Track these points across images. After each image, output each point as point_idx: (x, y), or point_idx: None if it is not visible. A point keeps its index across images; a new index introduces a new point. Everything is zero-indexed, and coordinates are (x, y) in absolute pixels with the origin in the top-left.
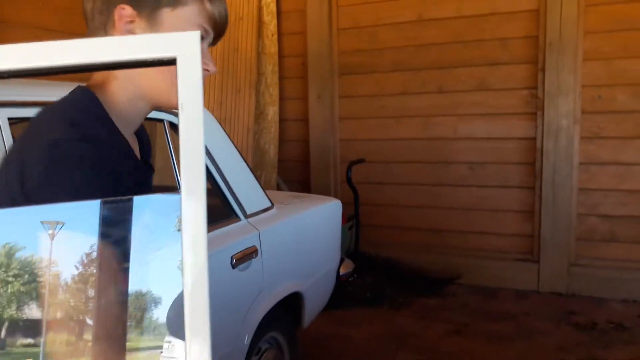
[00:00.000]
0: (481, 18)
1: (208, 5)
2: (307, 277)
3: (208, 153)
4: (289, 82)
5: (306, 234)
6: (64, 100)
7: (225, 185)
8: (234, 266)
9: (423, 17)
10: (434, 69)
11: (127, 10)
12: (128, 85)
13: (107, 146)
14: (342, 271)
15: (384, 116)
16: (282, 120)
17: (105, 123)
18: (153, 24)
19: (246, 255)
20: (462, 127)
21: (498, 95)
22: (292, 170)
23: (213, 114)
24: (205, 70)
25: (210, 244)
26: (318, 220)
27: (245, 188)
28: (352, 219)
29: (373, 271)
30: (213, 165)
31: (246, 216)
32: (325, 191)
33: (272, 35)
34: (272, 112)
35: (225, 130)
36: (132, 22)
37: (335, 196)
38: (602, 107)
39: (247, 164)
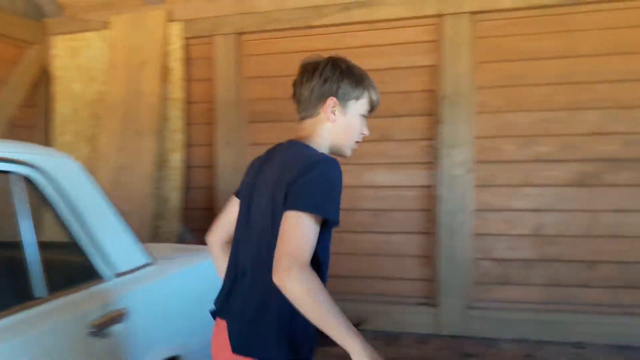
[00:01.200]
0: (384, 72)
1: (373, 96)
2: (189, 339)
3: (68, 204)
4: (196, 128)
5: (189, 291)
6: (311, 149)
7: (90, 241)
8: (93, 333)
9: None
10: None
11: (333, 100)
12: (323, 140)
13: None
14: None
15: None
16: (188, 167)
17: None
18: (345, 112)
19: (109, 320)
20: (366, 175)
21: (400, 145)
22: (199, 219)
23: (109, 160)
24: (363, 135)
25: (61, 310)
26: (205, 275)
27: (116, 243)
28: None
29: None
30: (74, 218)
31: (116, 275)
32: None
33: (179, 80)
34: (176, 158)
35: (93, 179)
36: (334, 107)
37: None
38: (494, 157)
39: (119, 217)
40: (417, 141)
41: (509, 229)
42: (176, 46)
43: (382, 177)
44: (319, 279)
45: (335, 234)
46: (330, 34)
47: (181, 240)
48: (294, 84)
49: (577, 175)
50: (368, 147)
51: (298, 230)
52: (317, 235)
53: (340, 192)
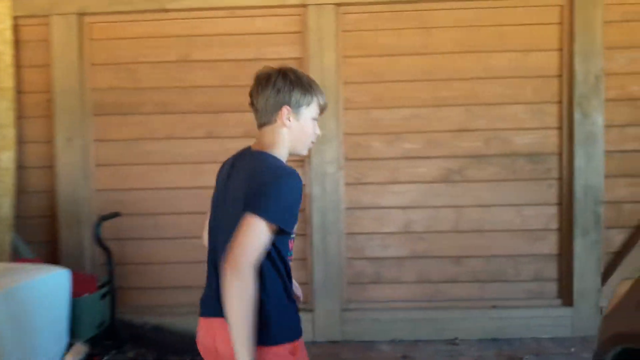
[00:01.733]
0: (247, 63)
1: (321, 100)
2: None
3: None
4: (30, 122)
5: (10, 318)
6: (270, 158)
7: None
8: None
9: (189, 58)
10: (202, 113)
11: (287, 109)
12: (282, 145)
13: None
14: (69, 358)
15: (147, 163)
16: (21, 167)
17: None
18: (298, 118)
19: None
20: None
21: None
22: (35, 228)
23: None
24: (317, 135)
25: None
26: (31, 298)
27: None
28: (106, 285)
29: (139, 343)
30: None
31: None
32: (76, 252)
33: (7, 67)
34: (6, 157)
35: None
36: (288, 114)
37: (92, 258)
38: (363, 154)
39: None
40: None
41: (379, 226)
42: (3, 26)
43: None
44: (253, 283)
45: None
46: (187, 19)
47: (15, 254)
48: (250, 94)
49: (443, 171)
50: (232, 144)
51: (252, 232)
52: (267, 240)
53: (298, 204)
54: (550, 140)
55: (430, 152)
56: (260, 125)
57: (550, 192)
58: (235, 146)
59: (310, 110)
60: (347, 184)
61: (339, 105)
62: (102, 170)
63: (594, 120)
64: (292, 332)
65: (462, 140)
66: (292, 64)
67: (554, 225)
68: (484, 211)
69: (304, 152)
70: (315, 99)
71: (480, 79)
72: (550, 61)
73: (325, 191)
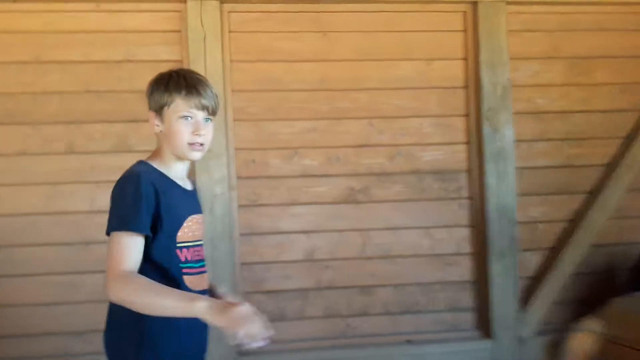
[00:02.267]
0: (116, 65)
1: (183, 94)
2: None
3: None
4: None
5: None
6: (132, 166)
7: None
8: None
9: (43, 59)
10: (60, 123)
11: (151, 113)
12: (163, 151)
13: (151, 177)
14: None
15: None
16: None
17: (153, 170)
18: (163, 120)
19: None
20: (101, 196)
21: (141, 157)
22: None
23: None
24: (199, 141)
25: None
26: None
27: None
28: None
29: None
30: None
31: None
32: None
33: None
34: None
35: None
36: (154, 119)
37: None
38: (257, 171)
39: None
40: None
41: (279, 254)
42: None
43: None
44: (132, 279)
45: (68, 278)
46: (40, 12)
47: None
48: None
49: (346, 190)
50: (98, 160)
51: (110, 251)
52: (133, 244)
53: (145, 201)
54: (458, 156)
55: (331, 169)
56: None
57: (462, 213)
58: (102, 162)
59: (173, 110)
60: (241, 206)
61: (227, 116)
62: None
63: (504, 134)
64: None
65: (364, 157)
66: (169, 67)
67: (467, 248)
68: (391, 234)
69: (191, 156)
70: (174, 95)
71: (382, 89)
72: (455, 71)
73: (214, 215)
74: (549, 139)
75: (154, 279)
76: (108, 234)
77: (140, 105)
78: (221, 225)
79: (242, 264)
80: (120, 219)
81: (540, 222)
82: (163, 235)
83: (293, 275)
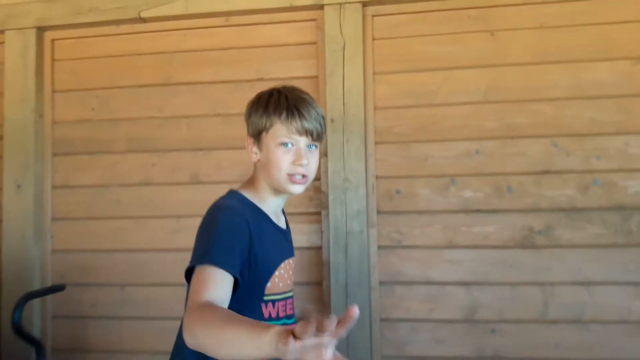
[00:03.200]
0: (247, 84)
1: (287, 124)
2: None
3: None
4: None
5: None
6: (225, 195)
7: None
8: None
9: (171, 81)
10: (187, 150)
11: (249, 139)
12: (260, 181)
13: (245, 213)
14: None
15: (116, 216)
16: None
17: (247, 204)
18: (261, 147)
19: None
20: None
21: None
22: None
23: None
24: (300, 171)
25: None
26: None
27: None
28: None
29: None
30: None
31: None
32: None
33: None
34: None
35: None
36: (252, 146)
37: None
38: (403, 205)
39: None
40: None
41: (430, 311)
42: None
43: None
44: (213, 311)
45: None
46: (169, 30)
47: None
48: None
49: (521, 231)
50: (225, 190)
51: (193, 285)
52: (219, 278)
53: (239, 239)
54: None
55: (500, 203)
56: None
57: None
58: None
59: (271, 136)
60: (381, 248)
61: (367, 138)
62: (60, 225)
63: None
64: None
65: (546, 187)
66: (304, 84)
67: None
68: (584, 291)
69: (290, 189)
70: (274, 119)
71: (570, 99)
72: None
73: (349, 258)
74: None
75: None
76: (189, 271)
77: None
78: (357, 270)
79: (382, 320)
80: (208, 252)
81: None
82: (248, 285)
83: (447, 339)
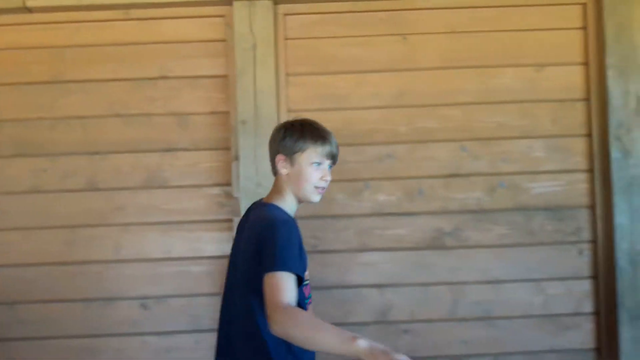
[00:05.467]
0: (151, 83)
1: (319, 147)
2: None
3: None
4: None
5: None
6: (273, 210)
7: None
8: None
9: (63, 78)
10: (79, 154)
11: (281, 157)
12: (286, 192)
13: (294, 223)
14: None
15: (1, 228)
16: None
17: (288, 214)
18: (293, 164)
19: None
20: (131, 243)
21: (179, 194)
22: None
23: None
24: (323, 186)
25: None
26: None
27: None
28: None
29: None
30: None
31: None
32: None
33: None
34: None
35: None
36: (283, 162)
37: None
38: (317, 210)
39: None
40: (205, 188)
41: (345, 314)
42: None
43: (153, 245)
44: (300, 311)
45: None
46: (60, 23)
47: None
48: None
49: (432, 233)
50: (126, 198)
51: (272, 286)
52: (291, 282)
53: (298, 248)
54: (578, 187)
55: (412, 206)
56: (273, 174)
57: (582, 261)
58: (131, 201)
59: (306, 156)
60: None
61: None
62: None
63: (639, 159)
64: None
65: (455, 190)
66: (211, 84)
67: (590, 307)
68: (490, 289)
69: (313, 199)
70: (309, 143)
71: (478, 104)
72: (574, 79)
73: None
74: None
75: None
76: (266, 271)
77: (178, 131)
78: None
79: None
80: (282, 260)
81: None
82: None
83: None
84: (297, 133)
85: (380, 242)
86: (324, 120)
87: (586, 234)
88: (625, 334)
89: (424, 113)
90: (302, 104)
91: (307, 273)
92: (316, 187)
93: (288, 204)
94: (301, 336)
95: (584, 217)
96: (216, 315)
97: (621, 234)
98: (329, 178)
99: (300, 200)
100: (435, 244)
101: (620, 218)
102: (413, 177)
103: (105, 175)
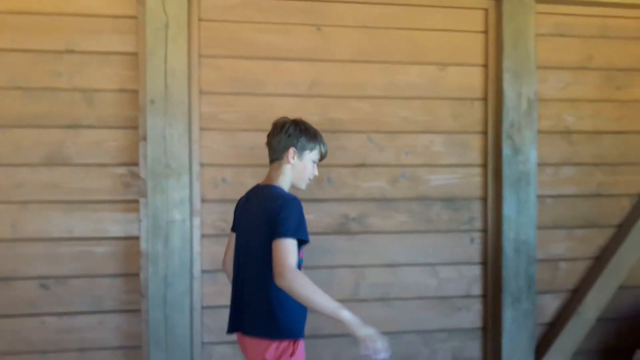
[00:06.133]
0: (56, 57)
1: (322, 149)
2: None
3: None
4: None
5: None
6: (281, 190)
7: None
8: None
9: None
10: None
11: (293, 149)
12: (286, 177)
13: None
14: None
15: None
16: None
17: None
18: (301, 158)
19: None
20: (30, 221)
21: (83, 173)
22: None
23: None
24: (314, 174)
25: None
26: None
27: None
28: None
29: None
30: None
31: None
32: None
33: None
34: None
35: None
36: (294, 154)
37: None
38: (229, 193)
39: None
40: (110, 167)
41: None
42: None
43: (54, 224)
44: (304, 276)
45: None
46: None
47: None
48: (268, 136)
49: (338, 219)
50: (26, 175)
51: (285, 249)
52: (296, 252)
53: (301, 215)
54: (472, 180)
55: (320, 193)
56: (271, 161)
57: (474, 248)
58: (32, 178)
59: (312, 155)
60: (205, 236)
61: (192, 124)
62: None
63: (527, 156)
64: (295, 332)
65: (361, 179)
66: (120, 60)
67: (479, 290)
68: (390, 273)
69: (303, 187)
70: (317, 146)
71: (385, 98)
72: (473, 80)
73: (169, 247)
74: (578, 164)
75: None
76: (278, 237)
77: (84, 107)
78: (178, 259)
79: (204, 307)
80: (293, 229)
81: (563, 260)
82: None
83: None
84: (311, 135)
85: None
86: (239, 104)
87: (478, 224)
88: (508, 314)
89: (335, 104)
90: (215, 86)
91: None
92: (309, 179)
93: (286, 187)
94: (304, 295)
95: (477, 208)
96: (120, 296)
97: (508, 224)
98: (316, 173)
99: (294, 186)
100: (341, 229)
101: (508, 210)
102: (323, 165)
103: (4, 150)
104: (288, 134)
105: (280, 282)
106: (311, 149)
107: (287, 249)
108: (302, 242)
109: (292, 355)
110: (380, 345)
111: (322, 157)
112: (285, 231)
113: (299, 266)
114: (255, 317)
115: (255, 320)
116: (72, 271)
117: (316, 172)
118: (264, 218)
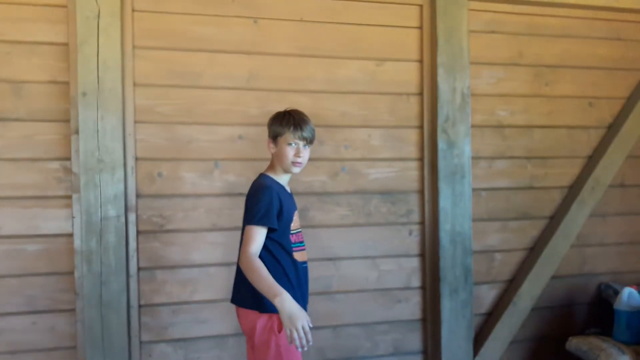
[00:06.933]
0: None
1: (291, 129)
2: None
3: None
4: None
5: None
6: (261, 178)
7: None
8: None
9: None
10: None
11: (270, 141)
12: (275, 165)
13: (275, 188)
14: None
15: None
16: None
17: (274, 182)
18: (277, 145)
19: None
20: None
21: (12, 167)
22: None
23: None
24: (299, 161)
25: None
26: None
27: None
28: None
29: None
30: None
31: None
32: None
33: None
34: None
35: None
36: (271, 143)
37: None
38: (165, 188)
39: None
40: (41, 162)
41: (191, 293)
42: None
43: None
44: (255, 262)
45: None
46: None
47: None
48: None
49: None
50: None
51: (247, 235)
52: (260, 235)
53: (275, 206)
54: (409, 174)
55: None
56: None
57: (412, 240)
58: None
59: (284, 139)
60: (142, 233)
61: (126, 116)
62: None
63: (462, 150)
64: (270, 306)
65: (302, 173)
66: (49, 51)
67: (417, 282)
68: (331, 265)
69: (293, 170)
70: (286, 129)
71: (324, 92)
72: (409, 75)
73: (103, 245)
74: (510, 157)
75: (277, 253)
76: (246, 223)
77: (12, 99)
78: (113, 257)
79: (142, 306)
80: (256, 216)
81: (498, 251)
82: (283, 225)
83: (208, 319)
84: (277, 121)
85: (230, 221)
86: (175, 97)
87: (415, 216)
88: (446, 305)
89: (274, 97)
90: (150, 78)
91: (296, 224)
92: (293, 162)
93: (277, 174)
94: (250, 278)
95: (414, 200)
96: (53, 295)
97: (444, 216)
98: (303, 154)
99: (286, 172)
100: None
101: (444, 202)
102: (263, 159)
103: None
104: (268, 125)
105: (239, 264)
106: (281, 134)
107: (248, 234)
108: (272, 230)
109: (280, 332)
110: (296, 336)
111: (300, 138)
112: (250, 218)
113: (291, 250)
114: (239, 289)
115: (239, 293)
116: (2, 270)
117: (302, 154)
118: (245, 205)
